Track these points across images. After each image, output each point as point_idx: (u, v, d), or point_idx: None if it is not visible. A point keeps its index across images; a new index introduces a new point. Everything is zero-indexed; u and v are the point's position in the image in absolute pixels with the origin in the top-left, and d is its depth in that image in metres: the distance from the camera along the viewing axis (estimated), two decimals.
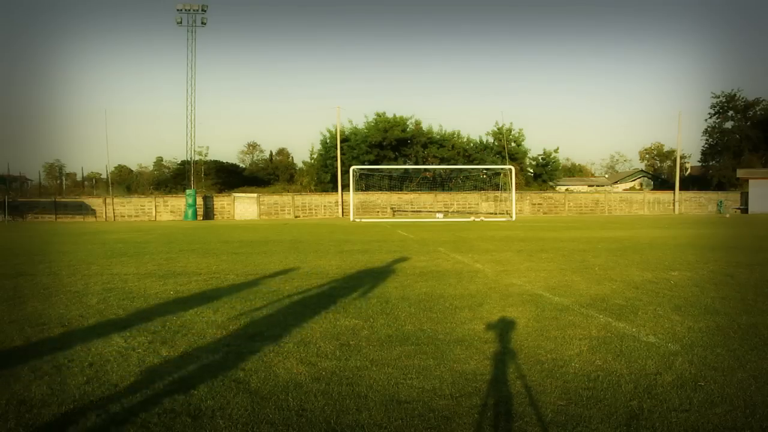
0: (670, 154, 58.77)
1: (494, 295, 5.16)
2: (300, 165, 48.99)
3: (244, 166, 55.85)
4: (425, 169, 37.90)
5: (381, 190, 37.04)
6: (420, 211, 36.48)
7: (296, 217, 35.99)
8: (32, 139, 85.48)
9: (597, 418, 2.30)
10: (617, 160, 75.55)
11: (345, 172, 35.31)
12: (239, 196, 36.44)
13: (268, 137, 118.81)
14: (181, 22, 37.84)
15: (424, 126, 42.70)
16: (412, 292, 5.38)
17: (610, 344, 3.42)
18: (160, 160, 59.42)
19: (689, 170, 56.24)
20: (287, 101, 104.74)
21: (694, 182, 47.05)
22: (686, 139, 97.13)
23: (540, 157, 45.67)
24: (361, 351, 3.31)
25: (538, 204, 39.17)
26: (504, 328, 3.89)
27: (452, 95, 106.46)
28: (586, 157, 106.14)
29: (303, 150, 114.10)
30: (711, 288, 5.50)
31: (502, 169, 35.56)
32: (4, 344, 3.49)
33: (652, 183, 56.69)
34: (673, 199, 40.32)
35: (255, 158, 61.70)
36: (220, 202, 35.95)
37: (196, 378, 2.83)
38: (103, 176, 45.74)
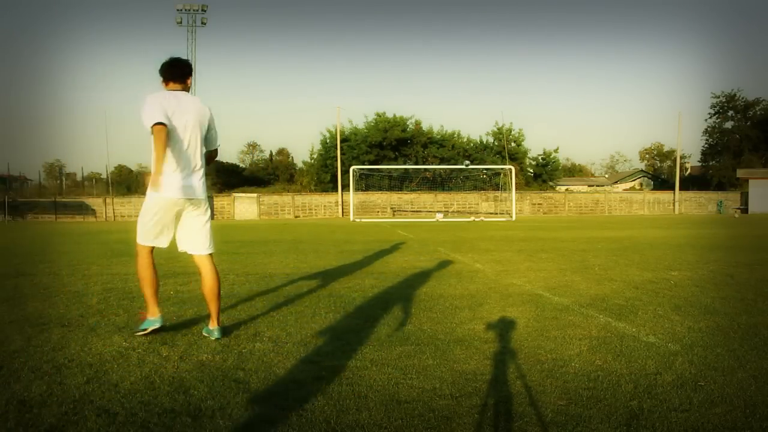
0: (670, 154, 58.76)
1: (494, 295, 5.16)
2: (300, 165, 49.00)
3: (244, 166, 55.84)
4: (425, 169, 37.89)
5: (381, 190, 37.05)
6: (420, 211, 36.48)
7: (296, 217, 36.00)
8: (32, 139, 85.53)
9: (597, 418, 2.30)
10: (617, 160, 75.63)
11: (345, 172, 35.32)
12: (239, 196, 36.46)
13: (268, 137, 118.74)
14: (181, 22, 37.86)
15: (424, 126, 42.74)
16: (412, 292, 5.38)
17: (610, 344, 3.42)
18: None
19: (689, 170, 56.23)
20: (287, 101, 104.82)
21: (694, 182, 47.05)
22: (686, 139, 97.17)
23: (540, 157, 45.68)
24: (361, 351, 3.31)
25: (538, 204, 39.18)
26: (504, 328, 3.89)
27: (452, 95, 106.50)
28: (586, 157, 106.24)
29: (303, 150, 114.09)
30: (711, 288, 5.50)
31: (502, 169, 35.56)
32: (4, 344, 3.49)
33: (652, 183, 56.69)
34: (673, 199, 40.33)
35: (255, 158, 61.70)
36: (220, 202, 35.98)
37: (196, 378, 2.83)
38: (103, 176, 45.76)
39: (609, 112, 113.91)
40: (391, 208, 36.71)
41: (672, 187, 41.99)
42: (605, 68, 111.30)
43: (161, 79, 3.76)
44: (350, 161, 37.81)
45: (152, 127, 3.41)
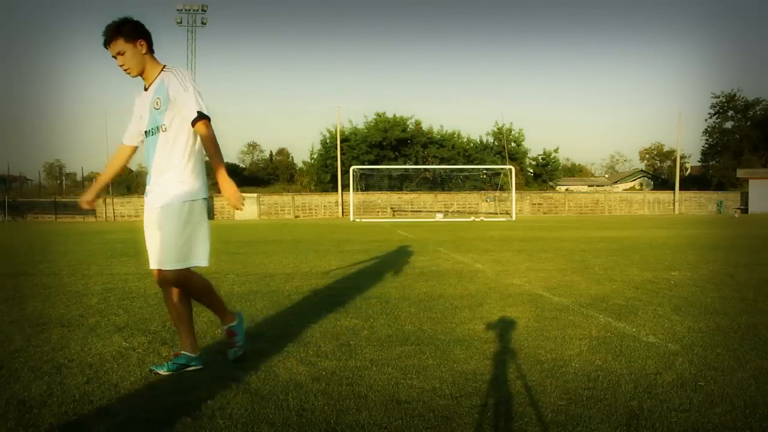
0: (670, 154, 58.76)
1: (494, 295, 5.16)
2: (300, 165, 49.01)
3: (244, 166, 55.86)
4: (425, 169, 37.90)
5: (381, 190, 37.06)
6: (420, 211, 36.48)
7: (296, 217, 36.00)
8: (32, 139, 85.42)
9: (597, 418, 2.30)
10: (617, 160, 75.59)
11: (345, 172, 35.32)
12: None
13: (268, 137, 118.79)
14: (181, 22, 37.87)
15: (424, 126, 42.78)
16: (412, 292, 5.38)
17: (610, 344, 3.42)
18: None
19: (689, 170, 56.26)
20: (287, 101, 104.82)
21: (694, 182, 47.10)
22: (686, 139, 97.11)
23: (540, 157, 45.70)
24: (361, 351, 3.31)
25: (538, 204, 39.18)
26: (504, 328, 3.89)
27: (452, 95, 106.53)
28: (586, 157, 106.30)
29: (303, 150, 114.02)
30: (711, 288, 5.50)
31: (502, 169, 35.56)
32: (4, 344, 3.49)
33: (652, 183, 56.68)
34: (673, 199, 40.34)
35: (255, 158, 61.68)
36: (220, 202, 35.94)
37: (196, 378, 2.83)
38: None
39: (609, 113, 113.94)
40: (391, 208, 36.70)
41: (672, 187, 41.99)
42: (605, 68, 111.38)
43: (147, 46, 2.91)
44: (350, 161, 37.81)
45: (205, 120, 2.79)
